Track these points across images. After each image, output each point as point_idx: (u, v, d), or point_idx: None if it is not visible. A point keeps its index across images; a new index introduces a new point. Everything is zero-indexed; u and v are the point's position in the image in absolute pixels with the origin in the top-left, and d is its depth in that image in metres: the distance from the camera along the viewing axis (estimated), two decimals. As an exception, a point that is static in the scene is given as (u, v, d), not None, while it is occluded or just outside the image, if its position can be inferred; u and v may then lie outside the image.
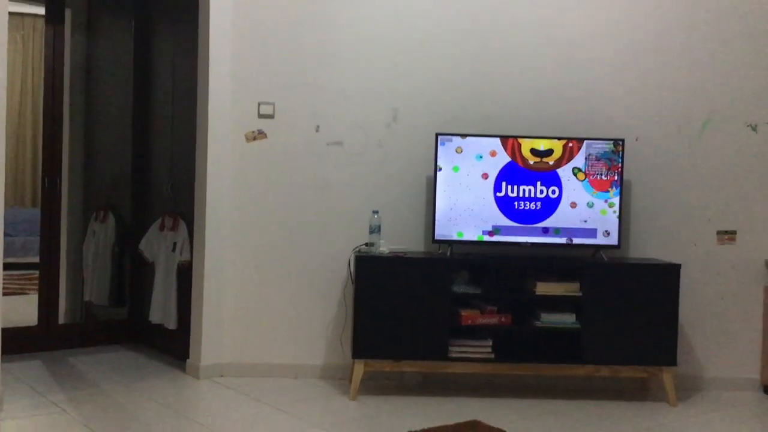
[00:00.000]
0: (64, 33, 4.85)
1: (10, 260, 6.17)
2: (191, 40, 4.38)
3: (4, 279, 3.69)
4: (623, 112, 4.34)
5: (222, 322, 4.32)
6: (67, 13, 4.97)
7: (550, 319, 4.04)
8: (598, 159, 4.12)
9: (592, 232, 4.13)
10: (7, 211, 3.69)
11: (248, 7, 4.30)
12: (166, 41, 4.87)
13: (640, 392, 4.27)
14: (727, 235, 4.35)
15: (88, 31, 5.36)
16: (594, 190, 4.12)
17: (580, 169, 4.12)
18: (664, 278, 4.03)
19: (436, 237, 4.13)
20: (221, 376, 4.30)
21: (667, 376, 4.03)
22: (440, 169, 4.10)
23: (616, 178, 4.12)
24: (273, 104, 4.31)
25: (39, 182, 4.89)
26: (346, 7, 4.32)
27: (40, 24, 4.97)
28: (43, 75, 4.80)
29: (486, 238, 4.13)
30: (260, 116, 4.31)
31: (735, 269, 4.35)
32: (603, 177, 4.12)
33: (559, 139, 4.13)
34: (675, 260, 4.14)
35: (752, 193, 4.36)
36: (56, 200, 4.81)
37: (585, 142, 4.12)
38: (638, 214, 4.34)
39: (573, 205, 4.12)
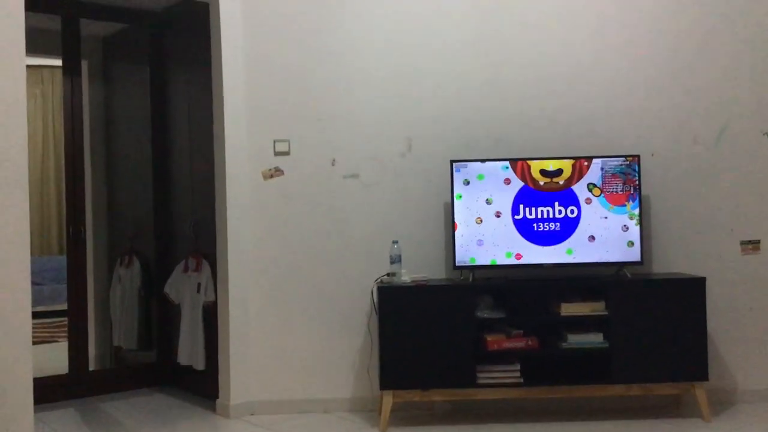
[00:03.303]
0: (81, 84, 4.95)
1: (40, 309, 6.27)
2: (205, 82, 4.46)
3: (34, 327, 3.74)
4: (638, 128, 4.34)
5: (249, 360, 4.34)
6: (84, 64, 5.08)
7: (577, 339, 4.01)
8: (613, 174, 4.11)
9: (614, 249, 4.10)
10: (34, 260, 3.75)
11: (260, 47, 4.37)
12: (182, 85, 4.96)
13: (673, 409, 4.21)
14: (751, 245, 4.31)
15: (105, 80, 5.47)
16: (610, 205, 4.11)
17: (595, 185, 4.12)
18: (690, 292, 3.99)
19: (457, 263, 4.13)
20: (252, 414, 4.31)
21: (699, 391, 3.97)
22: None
23: (632, 191, 4.11)
24: (288, 141, 4.37)
25: (64, 230, 4.96)
26: (357, 41, 4.38)
27: (59, 76, 5.08)
28: (63, 126, 4.90)
29: (507, 261, 4.12)
30: (276, 153, 4.37)
31: (761, 279, 4.30)
32: (619, 191, 4.11)
33: (568, 158, 4.13)
34: (699, 273, 4.10)
35: (774, 201, 4.33)
36: (81, 247, 4.87)
37: (594, 160, 4.11)
38: (659, 228, 4.32)
39: (591, 222, 4.11)
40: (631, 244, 4.10)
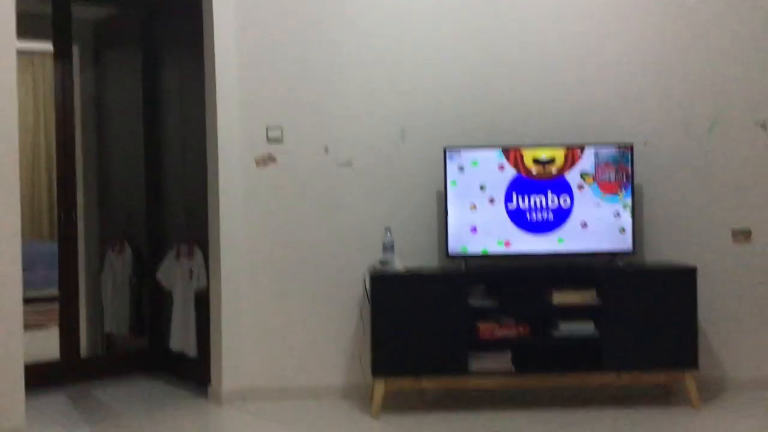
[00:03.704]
0: (72, 68, 4.92)
1: (31, 294, 6.24)
2: (198, 68, 4.43)
3: (25, 313, 3.73)
4: (632, 117, 4.34)
5: (241, 346, 4.34)
6: (75, 48, 5.04)
7: (568, 328, 4.02)
8: (606, 163, 4.12)
9: (606, 237, 4.11)
10: (25, 246, 3.73)
11: (253, 32, 4.34)
12: (174, 71, 4.92)
13: (663, 397, 4.24)
14: (742, 235, 4.33)
15: (96, 65, 5.43)
16: (603, 194, 4.12)
17: (587, 173, 4.12)
18: (681, 281, 4.01)
19: (450, 252, 4.13)
20: (244, 400, 4.31)
21: (689, 379, 4.00)
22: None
23: (625, 180, 4.11)
24: (281, 128, 4.35)
25: (55, 216, 4.94)
26: (351, 28, 4.36)
27: (50, 60, 5.04)
28: (54, 111, 4.87)
29: (500, 250, 4.13)
30: (269, 140, 4.35)
31: (751, 268, 4.33)
32: (611, 180, 4.12)
33: (560, 146, 4.13)
34: (691, 262, 4.12)
35: (765, 190, 4.34)
36: (73, 233, 4.85)
37: (586, 148, 4.12)
38: (651, 218, 4.33)
39: (584, 212, 4.12)
40: (622, 230, 4.11)
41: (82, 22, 5.23)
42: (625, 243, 4.12)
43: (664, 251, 4.32)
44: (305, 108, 4.36)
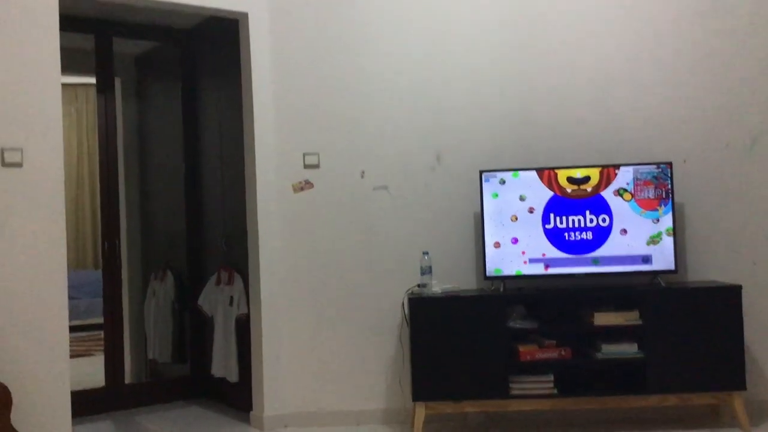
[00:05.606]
0: (114, 101, 5.04)
1: (76, 323, 6.36)
2: (236, 98, 4.51)
3: (70, 341, 3.80)
4: (671, 135, 4.29)
5: (282, 372, 4.36)
6: (117, 81, 5.17)
7: (611, 350, 3.96)
8: (645, 180, 4.07)
9: (647, 257, 4.06)
10: (70, 275, 3.81)
11: (288, 61, 4.41)
12: (212, 101, 5.02)
13: (711, 419, 4.15)
14: (787, 252, 4.24)
15: (138, 97, 5.56)
16: (642, 210, 4.07)
17: (626, 190, 4.08)
18: (726, 300, 3.93)
19: (488, 273, 4.12)
20: (285, 426, 4.32)
21: (737, 400, 3.91)
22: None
23: (664, 196, 4.06)
24: (317, 154, 4.39)
25: (99, 246, 5.03)
26: (385, 54, 4.40)
27: (93, 93, 5.17)
28: (97, 143, 4.99)
29: (539, 271, 4.10)
30: (306, 167, 4.40)
31: (799, 286, 4.23)
32: (650, 196, 4.07)
33: (595, 166, 4.10)
34: (735, 281, 4.04)
35: (810, 206, 4.25)
36: (116, 262, 4.94)
37: (621, 167, 4.08)
38: (693, 236, 4.26)
39: (623, 231, 4.07)
40: (658, 236, 4.03)
41: (124, 56, 5.37)
42: (666, 262, 4.06)
43: (706, 270, 4.24)
44: (341, 134, 4.40)
